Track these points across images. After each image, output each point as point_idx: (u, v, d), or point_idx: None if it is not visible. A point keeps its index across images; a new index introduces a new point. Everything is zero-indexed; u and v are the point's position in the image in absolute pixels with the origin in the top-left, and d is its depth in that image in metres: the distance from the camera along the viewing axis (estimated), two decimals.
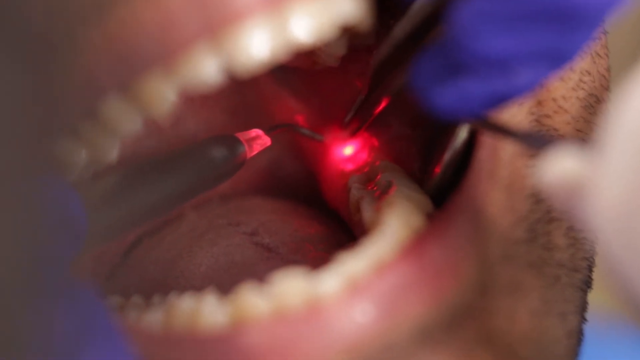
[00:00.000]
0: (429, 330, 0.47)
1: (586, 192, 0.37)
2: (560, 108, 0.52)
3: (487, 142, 0.51)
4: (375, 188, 0.56)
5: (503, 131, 0.45)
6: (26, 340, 0.38)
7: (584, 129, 0.52)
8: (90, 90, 0.45)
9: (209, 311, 0.48)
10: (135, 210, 0.52)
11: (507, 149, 0.50)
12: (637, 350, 1.03)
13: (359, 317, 0.47)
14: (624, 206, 0.36)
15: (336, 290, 0.47)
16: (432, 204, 0.52)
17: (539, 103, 0.51)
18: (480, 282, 0.48)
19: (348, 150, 0.60)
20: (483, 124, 0.47)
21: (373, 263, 0.48)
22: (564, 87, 0.52)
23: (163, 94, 0.46)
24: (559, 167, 0.39)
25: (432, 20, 0.47)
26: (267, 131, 0.59)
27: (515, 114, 0.51)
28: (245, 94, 0.63)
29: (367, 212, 0.53)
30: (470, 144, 0.52)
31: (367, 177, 0.58)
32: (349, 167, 0.60)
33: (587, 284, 0.52)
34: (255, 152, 0.58)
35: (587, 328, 0.54)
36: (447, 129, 0.53)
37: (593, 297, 0.54)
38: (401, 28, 0.48)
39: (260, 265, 0.58)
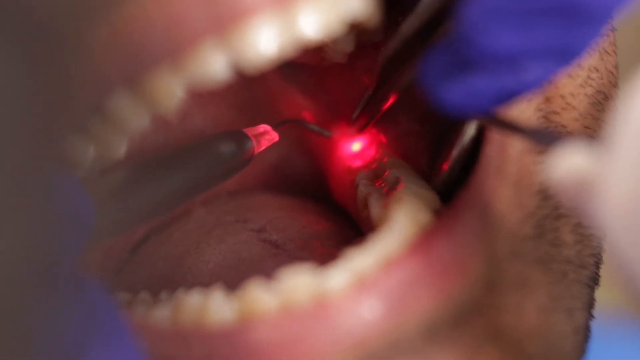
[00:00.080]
0: (436, 326, 0.47)
1: (594, 188, 0.37)
2: (568, 105, 0.52)
3: (495, 139, 0.50)
4: (383, 184, 0.56)
5: (511, 127, 0.45)
6: (34, 335, 0.38)
7: (592, 125, 0.52)
8: (98, 86, 0.45)
9: (216, 307, 0.48)
10: (143, 205, 0.52)
11: (515, 146, 0.50)
12: None
13: (367, 313, 0.47)
14: (632, 203, 0.35)
15: (343, 286, 0.47)
16: (439, 201, 0.52)
17: (547, 100, 0.51)
18: (488, 278, 0.48)
19: (356, 146, 0.60)
20: (491, 121, 0.47)
21: (380, 259, 0.48)
22: (572, 83, 0.52)
23: (171, 90, 0.46)
24: (567, 163, 0.39)
25: (441, 17, 0.47)
26: (275, 127, 0.59)
27: (524, 111, 0.51)
28: (253, 90, 0.63)
29: (374, 209, 0.53)
30: (478, 141, 0.52)
31: (375, 173, 0.58)
32: (357, 163, 0.60)
33: (595, 280, 0.52)
34: (263, 148, 0.58)
35: (595, 324, 0.54)
36: (455, 125, 0.53)
37: (600, 293, 0.54)
38: (409, 24, 0.48)
39: (268, 261, 0.58)
